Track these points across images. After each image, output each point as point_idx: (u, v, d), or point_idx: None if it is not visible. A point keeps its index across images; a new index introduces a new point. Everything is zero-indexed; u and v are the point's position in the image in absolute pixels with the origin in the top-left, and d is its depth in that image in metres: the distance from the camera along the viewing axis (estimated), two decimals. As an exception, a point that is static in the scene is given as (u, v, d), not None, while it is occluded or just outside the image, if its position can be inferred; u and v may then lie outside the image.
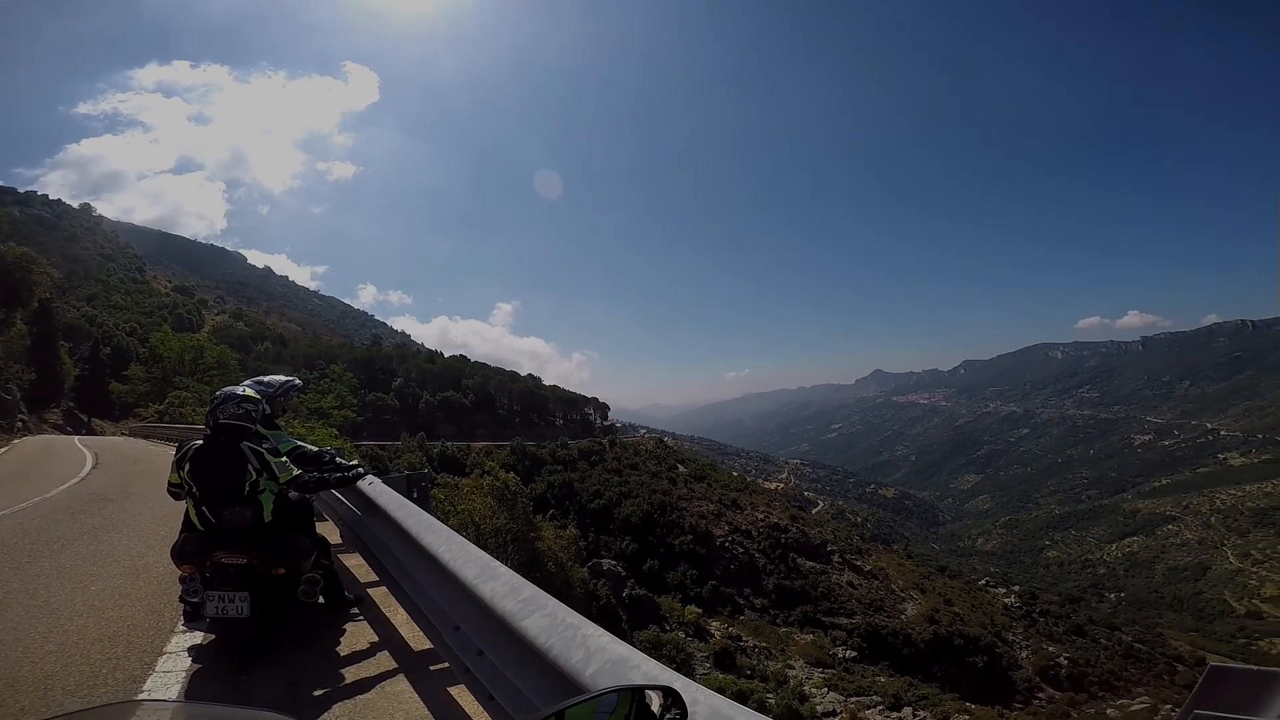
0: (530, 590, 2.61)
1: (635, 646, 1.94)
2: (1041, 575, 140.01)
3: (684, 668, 18.72)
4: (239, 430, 4.13)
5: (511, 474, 16.63)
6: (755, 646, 23.76)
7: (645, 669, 1.78)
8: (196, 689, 3.61)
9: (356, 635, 4.46)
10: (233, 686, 3.63)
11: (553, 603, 2.45)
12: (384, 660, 4.03)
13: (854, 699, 20.59)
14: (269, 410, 4.97)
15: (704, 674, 19.78)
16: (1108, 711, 33.32)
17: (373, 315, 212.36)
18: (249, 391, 4.41)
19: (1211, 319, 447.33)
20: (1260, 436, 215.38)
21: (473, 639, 2.94)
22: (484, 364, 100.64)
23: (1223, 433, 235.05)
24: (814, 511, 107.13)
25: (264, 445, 4.23)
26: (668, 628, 22.37)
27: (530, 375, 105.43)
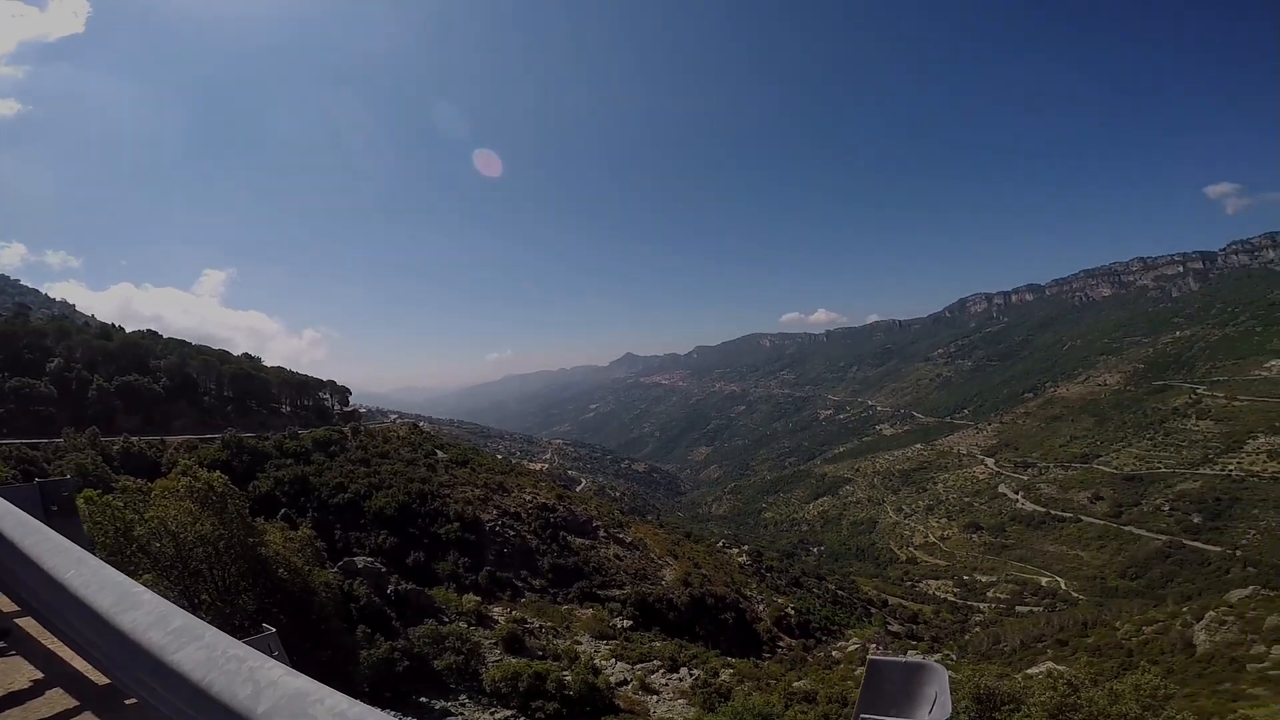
0: (182, 619, 2.26)
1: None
2: (763, 534, 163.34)
3: (472, 657, 16.70)
4: None
5: (217, 472, 12.80)
6: (542, 627, 22.61)
7: (330, 704, 1.58)
8: None
9: (8, 673, 3.63)
10: None
11: (211, 632, 2.15)
12: (58, 699, 3.32)
13: (639, 665, 20.65)
14: None
15: (495, 660, 17.91)
16: (832, 653, 39.72)
17: (18, 280, 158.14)
18: None
19: (873, 318, 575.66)
20: (902, 411, 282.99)
21: (124, 679, 2.55)
22: (182, 341, 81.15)
23: (878, 408, 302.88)
24: (578, 489, 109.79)
25: None
26: (446, 619, 19.85)
27: (246, 355, 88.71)
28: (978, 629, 62.69)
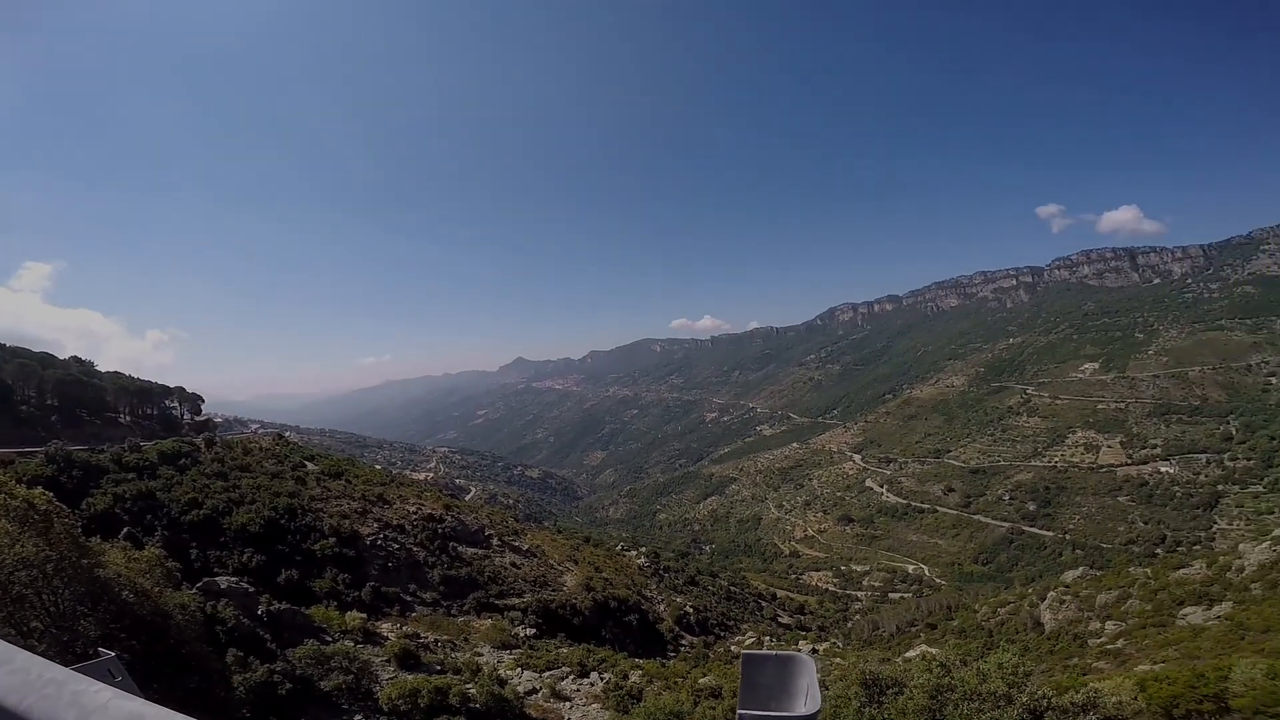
0: None
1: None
2: (658, 535, 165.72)
3: (364, 675, 15.22)
4: None
5: (39, 489, 10.85)
6: (438, 641, 21.09)
7: None
8: None
9: None
10: None
11: (23, 655, 1.96)
12: None
13: (547, 673, 19.90)
14: None
15: (390, 677, 16.40)
16: (731, 648, 40.81)
17: None
18: None
19: (754, 324, 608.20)
20: (780, 413, 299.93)
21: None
22: (-13, 341, 68.67)
23: (758, 410, 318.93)
24: (467, 498, 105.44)
25: None
26: (329, 639, 17.95)
27: (75, 358, 76.47)
28: (858, 616, 67.08)
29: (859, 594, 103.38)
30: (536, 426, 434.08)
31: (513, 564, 45.50)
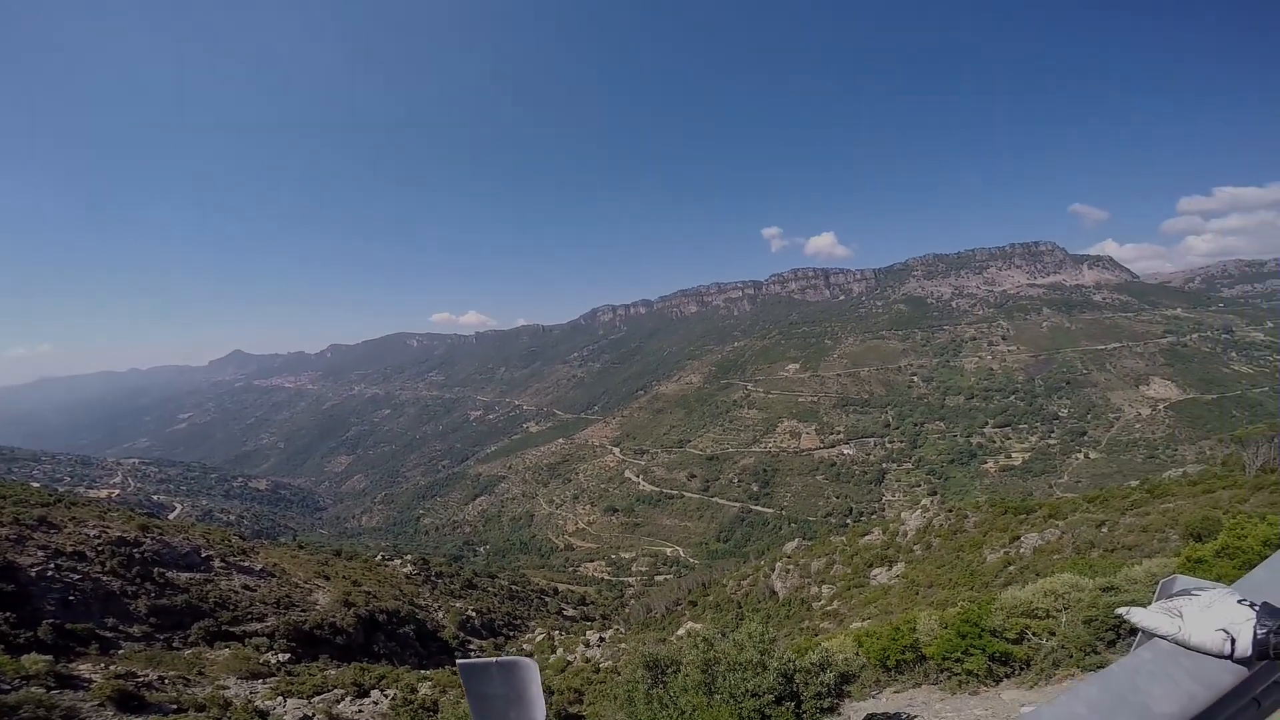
0: None
1: None
2: (425, 541, 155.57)
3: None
4: None
5: None
6: (163, 678, 17.14)
7: None
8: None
9: None
10: None
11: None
12: None
13: (318, 698, 17.71)
14: None
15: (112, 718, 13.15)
16: (523, 647, 40.21)
17: None
18: None
19: (521, 321, 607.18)
20: (545, 409, 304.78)
21: None
22: None
23: (524, 407, 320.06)
24: (172, 517, 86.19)
25: None
26: (6, 688, 13.58)
27: None
28: (633, 601, 71.06)
29: (630, 580, 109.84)
30: (261, 430, 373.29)
31: (245, 586, 39.05)
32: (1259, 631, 1.17)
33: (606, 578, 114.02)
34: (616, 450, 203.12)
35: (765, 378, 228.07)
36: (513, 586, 67.12)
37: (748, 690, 7.41)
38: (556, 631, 45.80)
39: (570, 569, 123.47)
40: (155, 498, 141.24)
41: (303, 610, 35.07)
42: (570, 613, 64.13)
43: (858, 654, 10.68)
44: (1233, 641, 1.17)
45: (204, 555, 43.76)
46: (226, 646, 24.37)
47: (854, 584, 35.08)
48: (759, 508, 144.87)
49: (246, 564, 46.16)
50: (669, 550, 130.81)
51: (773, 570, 44.92)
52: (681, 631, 35.70)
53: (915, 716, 8.06)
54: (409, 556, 64.18)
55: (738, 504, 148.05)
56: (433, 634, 38.84)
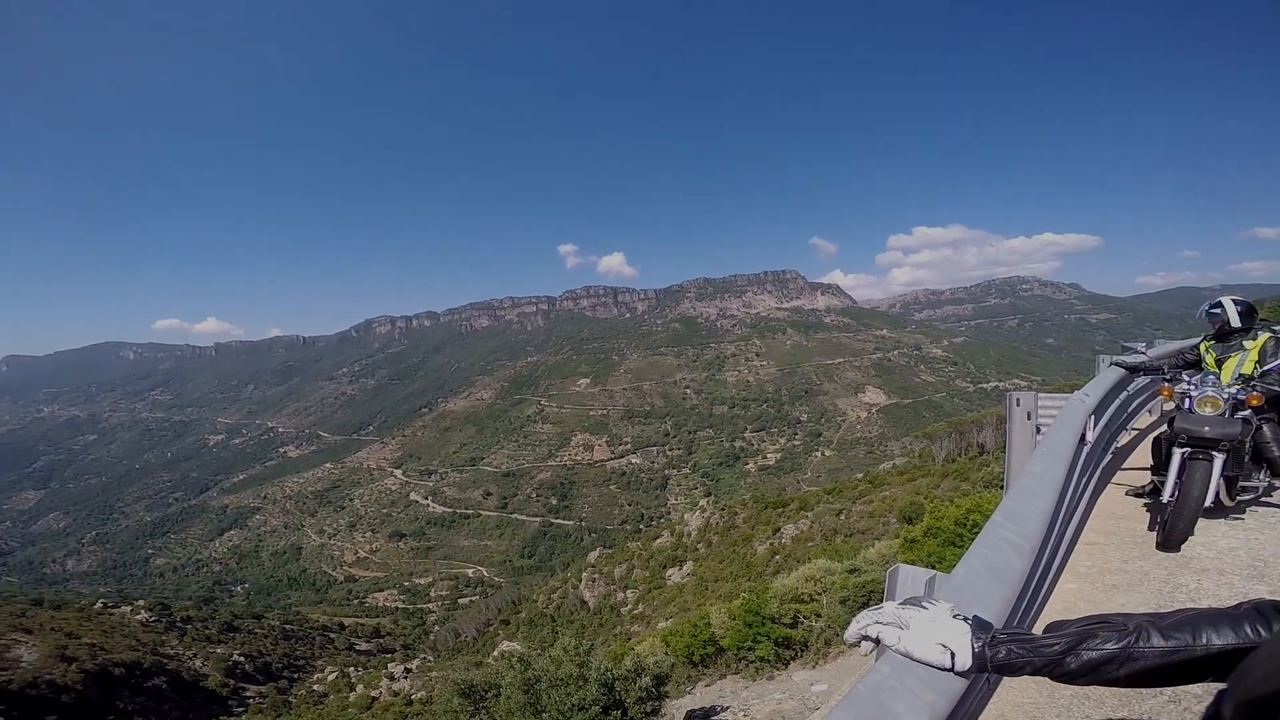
0: None
1: None
2: (161, 584, 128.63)
3: None
4: None
5: None
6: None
7: None
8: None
9: None
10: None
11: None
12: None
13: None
14: None
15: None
16: (315, 687, 37.33)
17: None
18: None
19: (275, 331, 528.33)
20: (308, 431, 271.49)
21: None
22: None
23: (280, 430, 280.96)
24: None
25: None
26: None
27: None
28: (437, 628, 67.84)
29: (430, 606, 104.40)
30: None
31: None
32: (975, 645, 1.24)
33: (402, 606, 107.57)
34: (398, 472, 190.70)
35: (559, 392, 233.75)
36: (286, 626, 60.88)
37: (573, 705, 7.36)
38: (351, 668, 43.36)
39: (355, 601, 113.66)
40: None
41: (4, 671, 29.17)
42: (364, 647, 60.47)
43: (666, 654, 10.81)
44: (953, 655, 1.25)
45: None
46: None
47: (654, 586, 36.44)
48: (560, 520, 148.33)
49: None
50: (470, 571, 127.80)
51: (580, 581, 45.50)
52: (497, 652, 35.84)
53: (728, 707, 8.18)
54: (141, 602, 54.53)
55: (538, 518, 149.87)
56: (193, 684, 35.12)
